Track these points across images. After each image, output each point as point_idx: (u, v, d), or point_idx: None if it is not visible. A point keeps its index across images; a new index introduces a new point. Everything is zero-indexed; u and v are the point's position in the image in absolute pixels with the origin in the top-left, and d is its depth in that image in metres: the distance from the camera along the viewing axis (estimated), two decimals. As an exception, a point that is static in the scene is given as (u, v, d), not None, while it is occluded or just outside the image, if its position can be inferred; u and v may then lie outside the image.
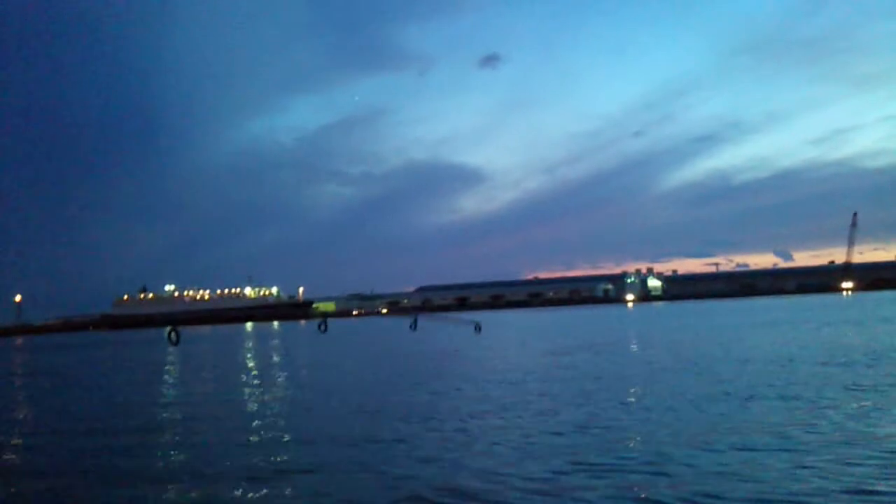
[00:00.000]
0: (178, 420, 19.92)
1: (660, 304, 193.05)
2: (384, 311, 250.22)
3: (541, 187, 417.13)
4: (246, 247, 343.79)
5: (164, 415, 21.43)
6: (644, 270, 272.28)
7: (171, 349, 66.07)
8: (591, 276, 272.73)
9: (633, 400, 18.58)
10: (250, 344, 69.45)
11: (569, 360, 31.92)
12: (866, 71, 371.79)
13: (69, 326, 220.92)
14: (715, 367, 25.55)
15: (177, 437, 16.68)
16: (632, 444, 12.93)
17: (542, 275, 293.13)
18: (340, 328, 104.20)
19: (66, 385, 35.70)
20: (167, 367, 43.38)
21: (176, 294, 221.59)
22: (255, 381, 30.25)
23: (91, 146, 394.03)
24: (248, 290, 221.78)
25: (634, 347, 38.33)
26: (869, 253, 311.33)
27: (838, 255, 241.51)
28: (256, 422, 18.48)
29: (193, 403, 23.40)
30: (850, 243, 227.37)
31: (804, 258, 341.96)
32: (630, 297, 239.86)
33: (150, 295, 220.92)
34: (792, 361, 25.76)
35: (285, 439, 15.46)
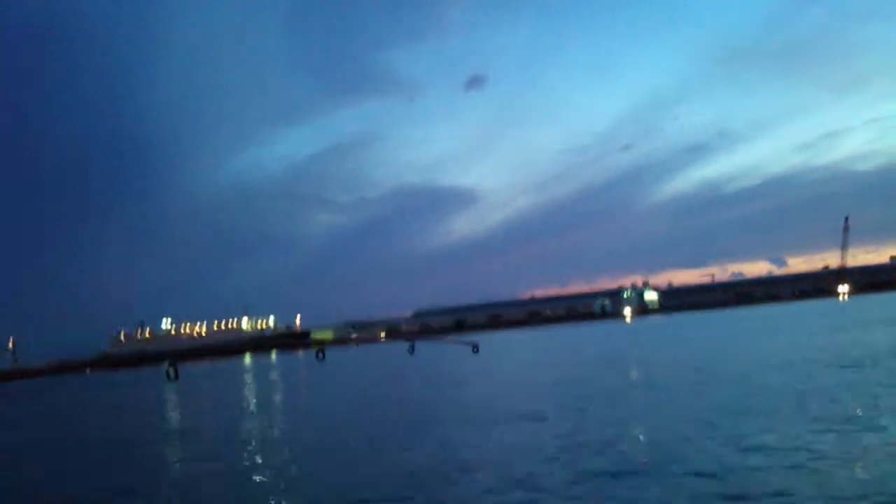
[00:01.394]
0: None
1: (658, 317, 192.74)
2: (383, 335, 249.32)
3: (533, 205, 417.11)
4: (241, 278, 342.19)
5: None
6: (640, 284, 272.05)
7: (169, 387, 65.56)
8: (587, 293, 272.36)
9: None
10: (249, 379, 68.94)
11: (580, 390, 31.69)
12: (850, 74, 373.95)
13: (66, 368, 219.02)
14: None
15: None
16: None
17: (539, 293, 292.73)
18: (338, 357, 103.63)
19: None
20: (165, 414, 43.00)
21: (173, 330, 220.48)
22: (255, 442, 29.85)
23: (81, 183, 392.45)
24: (244, 323, 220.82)
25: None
26: (862, 256, 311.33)
27: (832, 260, 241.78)
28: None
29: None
30: (844, 247, 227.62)
31: (798, 264, 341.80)
32: (628, 311, 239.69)
33: (147, 332, 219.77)
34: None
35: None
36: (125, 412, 44.38)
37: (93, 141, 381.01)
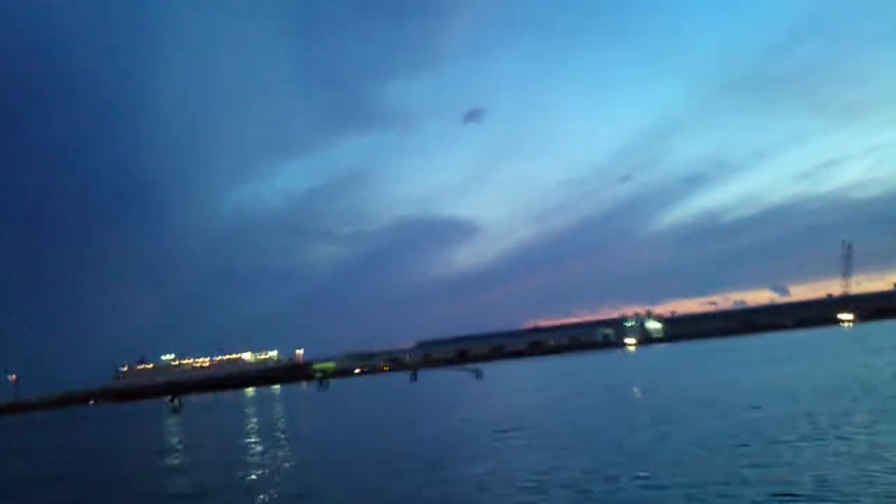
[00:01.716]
0: None
1: (661, 346, 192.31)
2: (385, 367, 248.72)
3: (533, 236, 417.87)
4: (242, 311, 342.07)
5: None
6: (643, 313, 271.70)
7: (172, 420, 65.46)
8: (590, 322, 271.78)
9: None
10: (252, 412, 68.82)
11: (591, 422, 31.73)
12: (848, 102, 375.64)
13: (69, 400, 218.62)
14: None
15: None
16: None
17: (542, 323, 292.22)
18: (341, 387, 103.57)
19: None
20: (167, 450, 42.97)
21: (175, 363, 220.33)
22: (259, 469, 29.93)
23: (80, 219, 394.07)
24: (247, 355, 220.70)
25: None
26: (866, 283, 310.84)
27: (835, 287, 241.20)
28: None
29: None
30: (846, 275, 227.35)
31: (801, 292, 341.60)
32: (630, 340, 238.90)
33: (150, 365, 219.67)
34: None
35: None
36: (128, 443, 44.42)
37: (91, 175, 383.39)
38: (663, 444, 19.92)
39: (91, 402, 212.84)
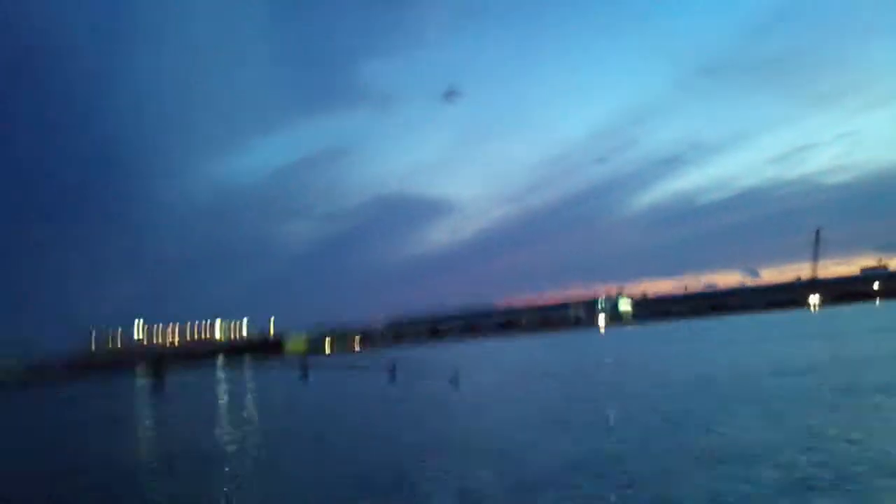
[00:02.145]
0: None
1: (631, 327, 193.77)
2: (357, 346, 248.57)
3: (508, 215, 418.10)
4: (214, 285, 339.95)
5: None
6: (614, 293, 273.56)
7: (145, 391, 65.01)
8: (562, 303, 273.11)
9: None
10: (223, 386, 68.53)
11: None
12: (822, 89, 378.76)
13: (35, 371, 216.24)
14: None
15: None
16: None
17: (514, 302, 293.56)
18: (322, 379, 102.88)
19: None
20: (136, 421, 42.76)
21: (144, 342, 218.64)
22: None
23: (51, 187, 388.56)
24: (217, 326, 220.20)
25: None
26: (834, 267, 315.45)
27: (804, 271, 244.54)
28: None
29: None
30: (815, 259, 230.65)
31: (771, 275, 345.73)
32: (602, 320, 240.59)
33: (120, 334, 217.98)
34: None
35: None
36: (99, 414, 44.05)
37: (62, 144, 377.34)
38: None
39: (60, 371, 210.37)
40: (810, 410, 18.43)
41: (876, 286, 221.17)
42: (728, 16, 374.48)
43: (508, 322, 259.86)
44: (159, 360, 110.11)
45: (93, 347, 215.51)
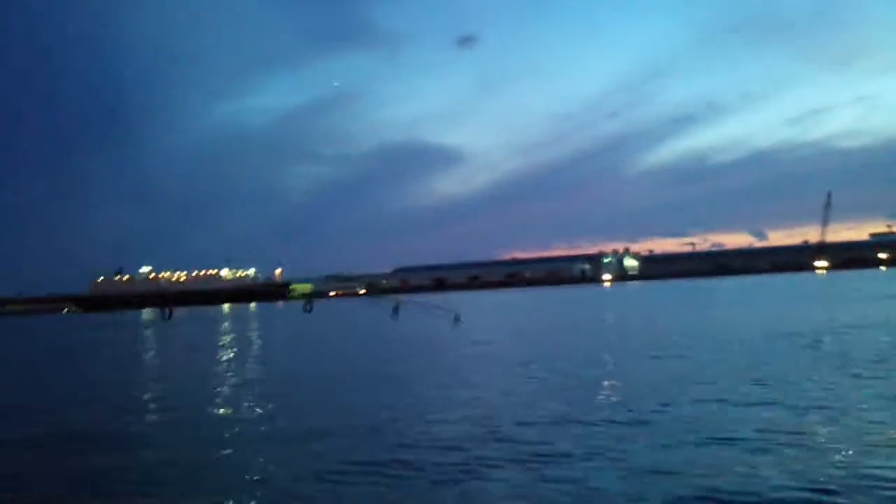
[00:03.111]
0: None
1: (636, 283, 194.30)
2: (362, 291, 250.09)
3: (518, 168, 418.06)
4: (221, 229, 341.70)
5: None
6: (621, 250, 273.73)
7: (148, 331, 65.74)
8: (568, 257, 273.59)
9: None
10: (228, 328, 69.13)
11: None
12: (839, 50, 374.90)
13: (45, 302, 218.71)
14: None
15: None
16: None
17: (520, 255, 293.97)
18: (324, 309, 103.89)
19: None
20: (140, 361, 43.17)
21: (152, 276, 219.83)
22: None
23: (58, 129, 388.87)
24: (224, 272, 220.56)
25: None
26: (843, 232, 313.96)
27: (812, 235, 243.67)
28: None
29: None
30: (824, 223, 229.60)
31: (779, 237, 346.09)
32: (607, 276, 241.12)
33: (126, 277, 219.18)
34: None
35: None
36: (104, 352, 44.69)
37: (71, 83, 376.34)
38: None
39: (65, 310, 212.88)
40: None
41: (882, 254, 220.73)
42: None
43: (513, 275, 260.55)
44: (164, 296, 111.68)
45: (99, 283, 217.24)
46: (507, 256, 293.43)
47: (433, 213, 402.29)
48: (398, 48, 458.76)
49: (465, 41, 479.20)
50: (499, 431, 13.32)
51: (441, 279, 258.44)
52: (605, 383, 18.74)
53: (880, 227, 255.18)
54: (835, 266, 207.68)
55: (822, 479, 9.48)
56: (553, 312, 62.46)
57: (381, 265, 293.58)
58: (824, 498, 8.87)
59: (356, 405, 17.67)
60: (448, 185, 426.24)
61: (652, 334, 32.74)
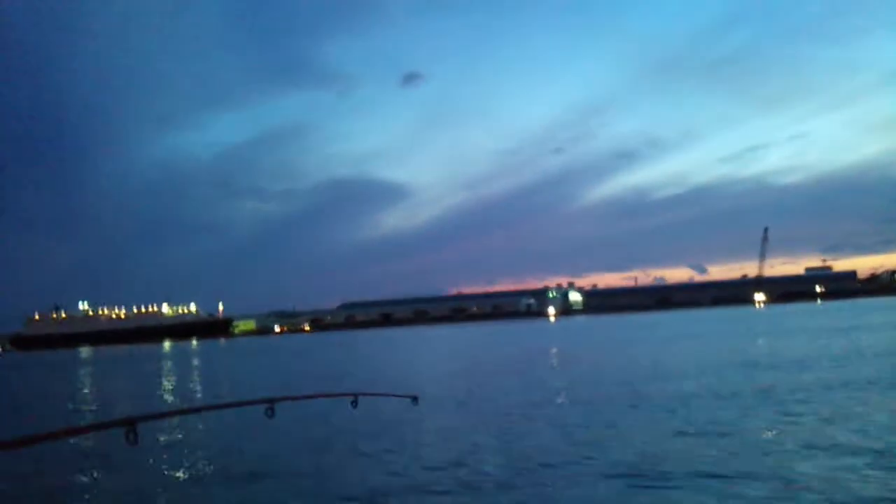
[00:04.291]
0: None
1: (581, 318, 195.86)
2: (307, 327, 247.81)
3: (463, 203, 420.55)
4: (163, 264, 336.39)
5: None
6: (565, 284, 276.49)
7: (83, 370, 63.81)
8: (513, 291, 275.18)
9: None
10: (168, 366, 67.54)
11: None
12: (775, 90, 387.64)
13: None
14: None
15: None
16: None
17: (466, 290, 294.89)
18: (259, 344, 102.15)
19: None
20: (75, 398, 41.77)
21: (90, 313, 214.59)
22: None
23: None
24: (165, 308, 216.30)
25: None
26: (780, 266, 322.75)
27: (751, 269, 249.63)
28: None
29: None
30: (762, 257, 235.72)
31: (718, 272, 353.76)
32: (552, 311, 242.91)
33: (63, 314, 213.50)
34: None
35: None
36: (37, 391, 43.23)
37: (7, 112, 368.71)
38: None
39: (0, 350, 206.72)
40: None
41: (819, 287, 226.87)
42: (685, 15, 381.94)
43: (459, 309, 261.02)
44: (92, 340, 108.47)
45: (35, 321, 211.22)
46: (453, 291, 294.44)
47: (379, 248, 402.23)
48: (346, 86, 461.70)
49: (411, 79, 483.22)
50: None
51: (388, 314, 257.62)
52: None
53: (816, 262, 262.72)
54: (773, 300, 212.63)
55: None
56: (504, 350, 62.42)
57: (327, 300, 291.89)
58: None
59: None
60: (394, 220, 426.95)
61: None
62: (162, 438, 18.06)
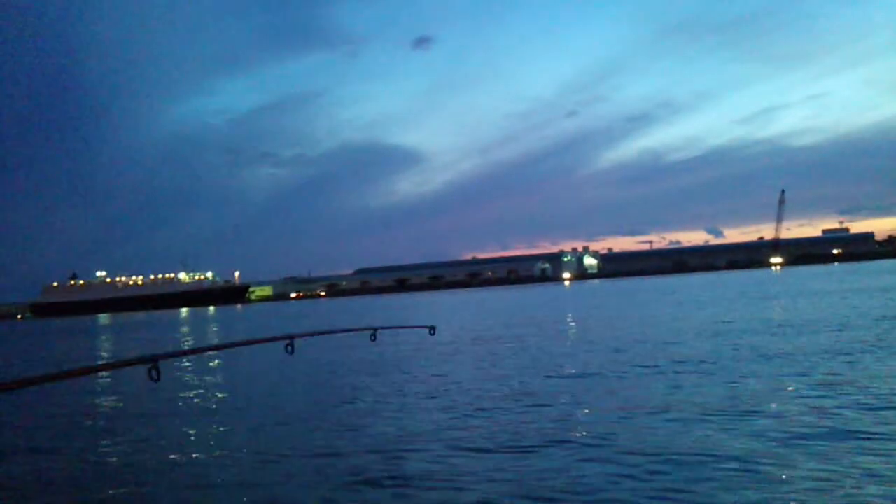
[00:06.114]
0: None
1: (596, 282, 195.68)
2: (322, 293, 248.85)
3: (476, 168, 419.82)
4: (179, 231, 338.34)
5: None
6: (580, 249, 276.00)
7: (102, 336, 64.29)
8: (528, 256, 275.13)
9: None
10: (186, 331, 67.96)
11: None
12: (791, 50, 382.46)
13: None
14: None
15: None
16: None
17: (480, 255, 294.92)
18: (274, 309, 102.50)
19: None
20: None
21: (108, 280, 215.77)
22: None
23: (14, 131, 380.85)
24: (182, 276, 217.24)
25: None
26: (796, 229, 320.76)
27: (767, 232, 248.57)
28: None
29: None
30: (778, 220, 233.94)
31: (734, 235, 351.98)
32: (567, 275, 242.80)
33: (81, 282, 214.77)
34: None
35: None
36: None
37: (24, 85, 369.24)
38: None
39: (19, 317, 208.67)
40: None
41: (836, 250, 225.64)
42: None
43: (474, 274, 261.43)
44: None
45: (54, 289, 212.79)
46: (467, 256, 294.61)
47: (394, 214, 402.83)
48: (356, 50, 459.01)
49: (422, 42, 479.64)
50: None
51: (403, 280, 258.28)
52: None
53: (833, 224, 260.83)
54: (789, 262, 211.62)
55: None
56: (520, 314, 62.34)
57: (342, 266, 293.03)
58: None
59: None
60: (408, 186, 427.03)
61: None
62: (185, 377, 19.54)
